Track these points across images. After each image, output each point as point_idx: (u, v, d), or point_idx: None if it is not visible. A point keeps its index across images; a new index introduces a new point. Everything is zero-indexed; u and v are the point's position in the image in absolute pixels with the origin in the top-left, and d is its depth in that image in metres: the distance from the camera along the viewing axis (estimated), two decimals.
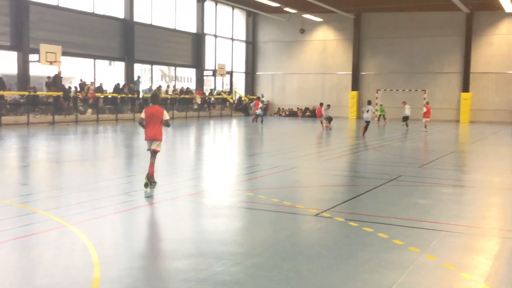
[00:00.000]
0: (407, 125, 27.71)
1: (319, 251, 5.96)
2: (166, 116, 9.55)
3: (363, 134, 21.98)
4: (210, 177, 11.74)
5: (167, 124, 9.57)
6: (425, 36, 37.59)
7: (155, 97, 10.04)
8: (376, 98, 37.41)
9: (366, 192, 9.58)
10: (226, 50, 41.57)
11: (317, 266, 5.40)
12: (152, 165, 9.38)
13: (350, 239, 6.48)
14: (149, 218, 7.45)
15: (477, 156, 17.11)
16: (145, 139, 9.59)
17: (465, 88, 36.62)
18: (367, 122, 21.99)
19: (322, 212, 7.76)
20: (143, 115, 9.51)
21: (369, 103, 23.10)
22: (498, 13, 34.57)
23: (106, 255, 5.65)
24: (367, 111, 22.16)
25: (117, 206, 8.06)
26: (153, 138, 9.50)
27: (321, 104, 27.79)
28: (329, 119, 26.99)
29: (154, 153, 9.55)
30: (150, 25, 33.91)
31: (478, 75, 36.56)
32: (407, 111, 28.04)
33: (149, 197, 8.71)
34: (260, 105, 30.03)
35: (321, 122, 27.14)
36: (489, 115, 36.25)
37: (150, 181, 9.25)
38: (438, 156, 15.72)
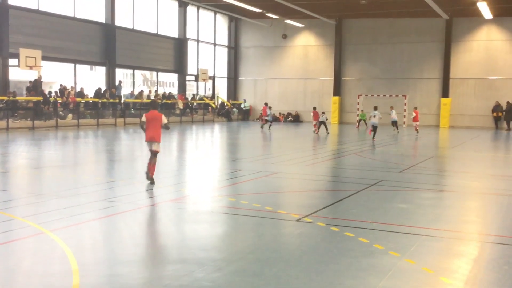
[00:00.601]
0: (397, 129, 28.19)
1: (300, 256, 5.97)
2: (165, 120, 10.58)
3: (373, 138, 23.10)
4: (192, 182, 11.70)
5: (166, 127, 10.62)
6: (406, 42, 38.00)
7: (154, 103, 11.43)
8: (358, 103, 37.67)
9: (348, 197, 9.63)
10: (208, 55, 41.54)
11: (298, 271, 5.41)
12: (153, 165, 10.35)
13: (331, 244, 6.50)
14: (129, 224, 7.39)
15: (457, 161, 17.32)
16: (145, 141, 10.62)
17: (445, 93, 37.07)
18: (375, 127, 23.18)
19: (303, 217, 7.78)
20: (144, 118, 10.50)
21: (375, 108, 24.26)
22: (476, 19, 35.11)
23: (85, 262, 5.59)
24: (374, 116, 23.33)
25: (97, 212, 7.99)
26: (152, 139, 10.49)
27: (314, 108, 30.10)
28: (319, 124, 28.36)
29: (154, 154, 10.49)
30: (132, 30, 33.75)
31: (458, 81, 37.05)
32: (394, 116, 28.46)
33: (129, 203, 8.65)
34: (268, 111, 30.46)
35: (315, 125, 28.87)
36: (468, 120, 36.73)
37: (151, 180, 10.27)
38: (419, 161, 15.88)
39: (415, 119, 28.31)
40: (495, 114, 35.73)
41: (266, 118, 30.51)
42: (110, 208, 8.25)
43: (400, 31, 38.08)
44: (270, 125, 30.25)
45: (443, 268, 5.64)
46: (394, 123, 28.72)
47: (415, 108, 30.50)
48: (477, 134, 30.00)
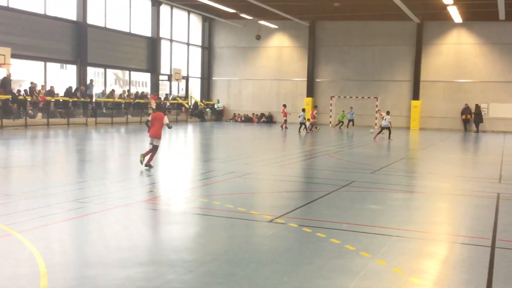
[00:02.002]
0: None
1: (272, 257, 5.97)
2: (166, 120, 12.65)
3: (389, 137, 25.80)
4: (164, 183, 11.61)
5: (168, 126, 12.74)
6: (377, 44, 38.48)
7: (159, 105, 14.06)
8: (331, 104, 37.98)
9: (320, 198, 9.69)
10: (182, 54, 41.32)
11: (270, 272, 5.41)
12: (151, 156, 12.56)
13: (303, 245, 6.52)
14: (100, 225, 7.28)
15: (427, 163, 17.59)
16: (149, 136, 12.76)
17: (415, 95, 37.65)
18: (387, 128, 26.00)
19: (276, 218, 7.80)
20: (150, 117, 12.83)
21: (388, 113, 26.86)
22: (447, 23, 35.78)
23: (54, 263, 5.49)
24: (385, 119, 26.15)
25: (67, 213, 7.86)
26: (154, 136, 12.66)
27: (316, 106, 34.36)
28: (304, 124, 30.71)
29: (155, 147, 12.66)
30: (104, 28, 33.34)
31: (428, 83, 37.67)
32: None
33: (100, 203, 8.53)
34: (302, 113, 31.18)
35: (312, 125, 32.07)
36: (438, 123, 37.38)
37: (148, 165, 12.37)
38: (390, 162, 16.08)
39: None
40: (464, 116, 36.46)
41: (301, 122, 31.26)
42: (80, 209, 8.13)
43: (372, 33, 38.55)
44: (307, 128, 31.38)
45: (413, 268, 5.71)
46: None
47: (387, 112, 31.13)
48: (447, 136, 30.54)
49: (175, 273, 5.29)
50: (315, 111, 33.84)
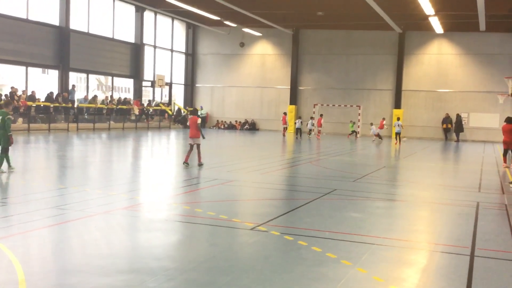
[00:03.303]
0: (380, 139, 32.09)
1: (254, 265, 5.97)
2: (199, 121, 14.92)
3: (399, 143, 29.57)
4: (146, 190, 11.54)
5: (199, 128, 14.90)
6: (360, 53, 38.84)
7: (194, 110, 15.90)
8: (313, 112, 38.15)
9: (302, 206, 9.71)
10: (165, 61, 41.24)
11: (251, 280, 5.40)
12: (189, 155, 14.83)
13: (284, 252, 6.53)
14: (80, 232, 7.21)
15: (408, 171, 17.75)
16: (189, 137, 15.01)
17: (397, 104, 38.02)
18: (398, 134, 30.09)
19: (258, 226, 7.80)
20: (188, 122, 15.14)
21: (398, 119, 31.38)
22: (428, 33, 36.25)
23: (32, 272, 5.42)
24: (398, 126, 30.27)
25: (47, 220, 7.77)
26: (194, 136, 14.92)
27: (321, 115, 35.28)
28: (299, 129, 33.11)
29: (197, 146, 14.96)
30: (87, 33, 33.15)
31: (409, 93, 38.08)
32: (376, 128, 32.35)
33: (81, 210, 8.45)
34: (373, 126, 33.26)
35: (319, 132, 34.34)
36: (419, 132, 37.78)
37: (186, 163, 14.63)
38: (371, 170, 16.19)
39: (380, 127, 33.69)
40: (444, 125, 36.91)
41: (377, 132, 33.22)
42: (60, 216, 8.04)
43: (355, 43, 38.90)
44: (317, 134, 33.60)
45: (393, 276, 5.75)
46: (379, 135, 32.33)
47: (383, 118, 34.84)
48: (428, 145, 30.86)
49: (156, 281, 5.26)
50: (322, 120, 34.62)
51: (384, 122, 34.69)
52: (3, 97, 27.34)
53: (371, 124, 33.51)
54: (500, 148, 23.13)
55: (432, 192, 12.49)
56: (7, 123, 12.39)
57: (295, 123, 34.32)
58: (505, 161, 18.39)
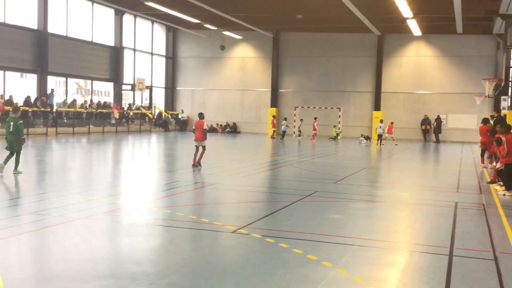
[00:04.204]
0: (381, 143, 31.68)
1: (235, 268, 5.98)
2: (205, 126, 15.62)
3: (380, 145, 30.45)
4: (127, 194, 11.46)
5: (205, 131, 15.57)
6: (340, 56, 39.13)
7: (201, 114, 16.16)
8: (294, 115, 38.30)
9: (283, 208, 9.75)
10: (145, 64, 41.04)
11: (232, 284, 5.42)
12: (195, 157, 15.39)
13: (265, 255, 6.55)
14: (60, 238, 7.15)
15: (388, 172, 17.93)
16: (194, 140, 15.71)
17: (377, 106, 38.37)
18: (380, 136, 30.97)
19: (239, 229, 7.81)
20: (194, 126, 15.85)
21: (381, 121, 32.23)
22: (406, 36, 36.65)
23: (11, 278, 5.36)
24: (380, 128, 30.94)
25: (25, 226, 7.68)
26: (199, 139, 15.54)
27: (315, 118, 35.16)
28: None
29: (203, 148, 15.57)
30: (66, 37, 32.85)
31: (389, 95, 38.46)
32: (380, 130, 31.84)
33: (60, 216, 8.37)
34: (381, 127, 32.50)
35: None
36: (398, 133, 38.04)
37: (194, 166, 15.26)
38: (352, 172, 16.31)
39: (389, 131, 32.96)
40: (423, 127, 37.35)
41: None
42: (40, 222, 7.96)
43: (335, 45, 39.18)
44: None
45: (373, 277, 5.80)
46: (379, 137, 31.72)
47: (391, 122, 34.08)
48: (407, 146, 31.19)
49: (137, 286, 5.24)
50: (316, 123, 34.80)
51: (393, 126, 34.29)
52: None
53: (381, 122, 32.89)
54: (478, 149, 23.48)
55: (412, 193, 12.63)
56: (19, 128, 13.14)
57: (282, 125, 35.25)
58: (482, 162, 18.67)
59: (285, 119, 35.93)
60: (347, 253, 6.68)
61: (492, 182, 13.72)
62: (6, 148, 13.25)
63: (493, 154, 15.84)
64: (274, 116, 37.19)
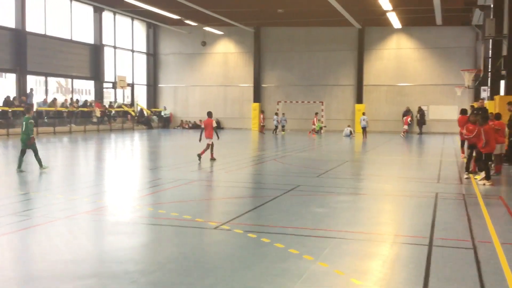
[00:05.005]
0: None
1: (217, 264, 5.99)
2: (214, 124, 16.78)
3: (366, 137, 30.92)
4: (109, 193, 11.40)
5: (215, 130, 16.72)
6: (321, 50, 39.23)
7: (210, 113, 17.11)
8: (277, 109, 38.34)
9: (266, 203, 9.77)
10: (126, 61, 40.74)
11: (214, 280, 5.43)
12: (203, 151, 16.47)
13: (247, 250, 6.57)
14: (41, 239, 7.09)
15: (370, 165, 18.05)
16: (205, 137, 16.61)
17: (359, 99, 38.58)
18: (363, 128, 31.62)
19: (221, 225, 7.82)
20: (202, 124, 16.92)
21: (364, 114, 33.31)
22: (387, 29, 36.86)
23: None
24: (363, 120, 31.85)
25: (7, 227, 7.60)
26: (208, 137, 16.53)
27: (317, 113, 35.87)
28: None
29: (210, 146, 16.65)
30: (44, 35, 32.46)
31: (371, 87, 38.68)
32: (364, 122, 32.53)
33: (42, 216, 8.31)
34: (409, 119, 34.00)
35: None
36: (381, 125, 38.39)
37: (212, 159, 16.59)
38: (334, 165, 16.39)
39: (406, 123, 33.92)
40: (405, 119, 37.57)
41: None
42: (21, 223, 7.88)
43: (316, 39, 39.26)
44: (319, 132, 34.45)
45: (354, 269, 5.86)
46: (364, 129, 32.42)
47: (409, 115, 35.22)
48: (389, 138, 31.42)
49: (118, 284, 5.23)
50: (316, 118, 35.49)
51: (409, 119, 34.75)
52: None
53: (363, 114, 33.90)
54: (458, 140, 23.74)
55: (394, 185, 12.75)
56: (29, 127, 13.68)
57: (274, 120, 35.93)
58: (463, 152, 18.87)
59: (276, 114, 36.11)
60: (328, 246, 6.73)
61: (472, 172, 13.86)
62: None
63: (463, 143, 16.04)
64: (262, 111, 37.38)
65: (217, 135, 16.89)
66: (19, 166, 13.65)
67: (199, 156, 16.35)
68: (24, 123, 13.80)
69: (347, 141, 29.30)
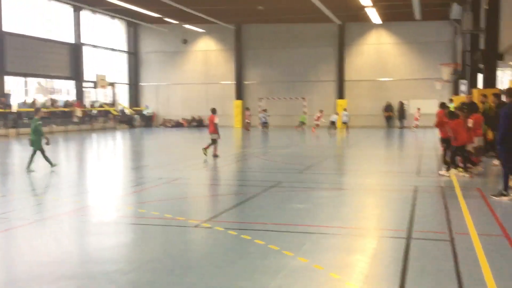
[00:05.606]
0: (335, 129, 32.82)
1: (197, 263, 6.01)
2: (216, 120, 16.99)
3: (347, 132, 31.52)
4: (90, 193, 11.32)
5: (216, 126, 16.91)
6: (302, 46, 39.34)
7: (213, 109, 17.36)
8: (259, 106, 38.37)
9: (247, 200, 9.80)
10: (107, 61, 40.42)
11: (194, 278, 5.44)
12: (208, 145, 16.94)
13: (228, 248, 6.60)
14: (19, 240, 7.04)
15: (352, 160, 18.18)
16: (208, 133, 17.10)
17: (341, 95, 38.79)
18: (345, 123, 32.58)
19: (202, 223, 7.83)
20: (208, 121, 17.71)
21: (345, 109, 33.63)
22: (366, 24, 37.07)
23: None
24: (345, 116, 32.54)
25: None
26: (212, 132, 16.95)
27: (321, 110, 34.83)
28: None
29: (213, 141, 16.95)
30: (23, 36, 32.07)
31: (352, 83, 38.90)
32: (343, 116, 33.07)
33: (21, 218, 8.24)
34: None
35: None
36: (363, 120, 38.63)
37: (215, 156, 16.84)
38: (316, 161, 16.48)
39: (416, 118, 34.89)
40: (386, 113, 37.94)
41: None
42: (0, 225, 7.81)
43: (297, 36, 39.36)
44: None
45: (333, 264, 5.91)
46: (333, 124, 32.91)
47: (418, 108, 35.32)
48: (371, 133, 31.64)
49: (97, 285, 5.22)
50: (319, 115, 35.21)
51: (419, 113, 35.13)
52: None
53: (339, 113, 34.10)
54: (438, 133, 23.99)
55: (374, 179, 12.86)
56: (37, 128, 13.99)
57: (263, 117, 35.80)
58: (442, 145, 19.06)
59: (265, 110, 36.04)
60: (308, 241, 6.78)
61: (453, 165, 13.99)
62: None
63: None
64: (247, 108, 37.06)
65: (218, 133, 16.99)
66: (51, 164, 14.19)
67: (214, 155, 16.94)
68: (32, 125, 14.14)
69: (329, 137, 29.42)
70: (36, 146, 14.04)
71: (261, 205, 9.37)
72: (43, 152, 14.14)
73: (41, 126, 14.20)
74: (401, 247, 6.51)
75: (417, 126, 34.29)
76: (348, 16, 35.64)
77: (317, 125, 34.26)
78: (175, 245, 6.79)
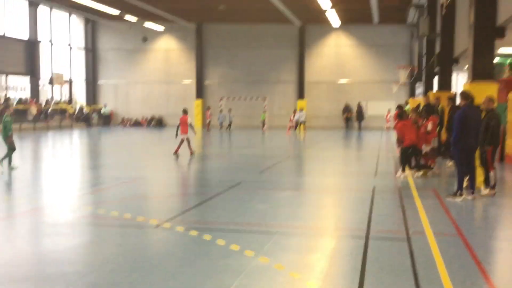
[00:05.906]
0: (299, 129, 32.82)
1: (157, 263, 5.95)
2: (189, 121, 17.55)
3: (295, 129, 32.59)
4: (45, 193, 11.05)
5: (191, 126, 17.57)
6: (263, 47, 39.50)
7: (185, 109, 17.99)
8: (220, 105, 38.30)
9: (208, 200, 9.77)
10: (64, 57, 39.52)
11: (154, 279, 5.39)
12: (178, 147, 17.40)
13: (189, 248, 6.56)
14: None
15: (311, 160, 18.36)
16: (180, 133, 17.45)
17: (301, 96, 39.14)
18: (302, 123, 32.46)
19: (162, 223, 7.76)
20: (179, 121, 17.64)
21: (301, 110, 33.60)
22: (326, 26, 37.51)
23: None
24: (302, 116, 32.50)
25: None
26: (184, 133, 17.41)
27: (295, 111, 34.51)
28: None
29: (187, 140, 17.56)
30: None
31: (312, 84, 39.31)
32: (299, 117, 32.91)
33: None
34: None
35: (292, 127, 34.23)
36: (322, 121, 39.12)
37: (175, 154, 17.30)
38: (277, 161, 16.57)
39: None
40: (345, 115, 38.52)
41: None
42: None
43: (258, 36, 39.48)
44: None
45: (294, 264, 5.96)
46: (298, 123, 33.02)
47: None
48: (331, 134, 32.05)
49: (53, 287, 5.10)
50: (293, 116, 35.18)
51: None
52: None
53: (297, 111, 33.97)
54: (395, 135, 24.51)
55: (333, 180, 13.04)
56: (4, 125, 13.64)
57: (231, 116, 35.72)
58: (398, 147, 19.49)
59: (230, 110, 35.92)
60: (270, 241, 6.82)
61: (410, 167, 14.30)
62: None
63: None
64: (208, 108, 37.17)
65: (193, 131, 17.73)
66: (9, 163, 13.65)
67: (176, 154, 17.31)
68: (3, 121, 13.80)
69: (289, 137, 29.63)
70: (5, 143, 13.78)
71: (223, 205, 9.36)
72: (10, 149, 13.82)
73: (8, 122, 13.82)
74: (359, 247, 6.63)
75: (388, 128, 34.78)
76: (308, 18, 35.99)
77: (291, 127, 34.29)
78: (135, 246, 6.70)
